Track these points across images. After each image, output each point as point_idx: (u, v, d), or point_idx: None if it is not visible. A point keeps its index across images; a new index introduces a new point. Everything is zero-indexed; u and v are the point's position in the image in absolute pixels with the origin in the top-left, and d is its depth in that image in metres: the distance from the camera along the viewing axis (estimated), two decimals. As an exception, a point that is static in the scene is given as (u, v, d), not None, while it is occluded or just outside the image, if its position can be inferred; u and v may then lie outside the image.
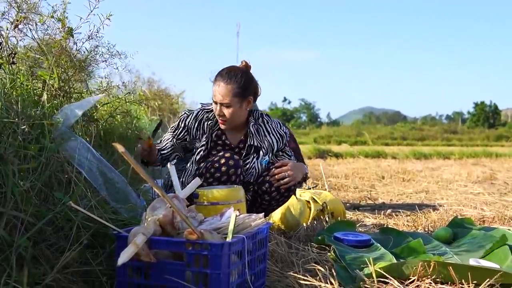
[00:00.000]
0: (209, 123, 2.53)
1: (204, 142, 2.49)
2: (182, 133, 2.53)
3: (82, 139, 1.99)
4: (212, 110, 2.54)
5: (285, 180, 2.43)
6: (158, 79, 9.78)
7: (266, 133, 2.59)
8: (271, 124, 2.61)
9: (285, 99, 75.11)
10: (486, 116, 56.26)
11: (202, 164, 2.44)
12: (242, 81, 2.45)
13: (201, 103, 2.62)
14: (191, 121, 2.52)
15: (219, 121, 2.48)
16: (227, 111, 2.44)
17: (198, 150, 2.49)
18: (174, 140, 2.53)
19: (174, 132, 2.55)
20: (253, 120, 2.56)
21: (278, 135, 2.61)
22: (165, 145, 2.54)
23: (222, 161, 2.34)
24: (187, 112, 2.57)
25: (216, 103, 2.45)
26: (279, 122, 2.66)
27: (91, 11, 2.29)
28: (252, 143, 2.53)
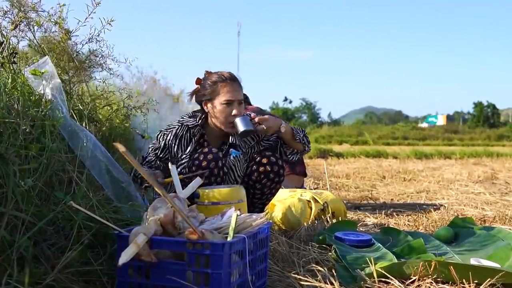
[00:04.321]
0: (194, 139, 2.52)
1: (185, 157, 2.50)
2: (164, 152, 2.51)
3: (91, 134, 1.99)
4: (196, 125, 2.53)
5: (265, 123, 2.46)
6: (159, 78, 9.76)
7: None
8: None
9: (286, 99, 75.12)
10: (486, 116, 56.19)
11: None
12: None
13: (179, 120, 2.59)
14: (171, 139, 2.50)
15: (232, 122, 2.46)
16: (242, 110, 2.50)
17: (178, 164, 2.49)
18: (158, 162, 2.51)
19: (156, 152, 2.51)
20: None
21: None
22: (150, 167, 2.50)
23: (201, 157, 2.38)
24: (165, 131, 2.53)
25: (232, 101, 2.45)
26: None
27: (89, 15, 2.31)
28: (234, 142, 2.57)
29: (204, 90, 2.51)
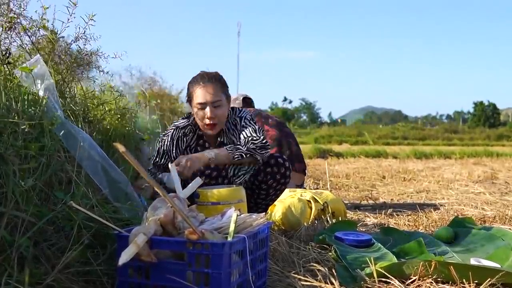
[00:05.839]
0: (186, 138, 2.52)
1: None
2: (164, 159, 2.50)
3: (87, 134, 1.98)
4: (187, 125, 2.52)
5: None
6: (159, 79, 9.78)
7: (241, 126, 2.54)
8: (242, 114, 2.57)
9: (285, 99, 75.21)
10: (486, 116, 56.23)
11: None
12: (223, 79, 2.48)
13: (172, 123, 2.60)
14: (168, 144, 2.50)
15: (208, 125, 2.42)
16: (219, 111, 2.42)
17: None
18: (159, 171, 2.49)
19: (156, 160, 2.50)
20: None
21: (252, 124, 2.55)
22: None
23: None
24: (162, 137, 2.54)
25: (204, 104, 2.39)
26: (246, 112, 2.59)
27: (70, 15, 2.31)
28: (222, 140, 2.52)
29: (187, 93, 2.51)
